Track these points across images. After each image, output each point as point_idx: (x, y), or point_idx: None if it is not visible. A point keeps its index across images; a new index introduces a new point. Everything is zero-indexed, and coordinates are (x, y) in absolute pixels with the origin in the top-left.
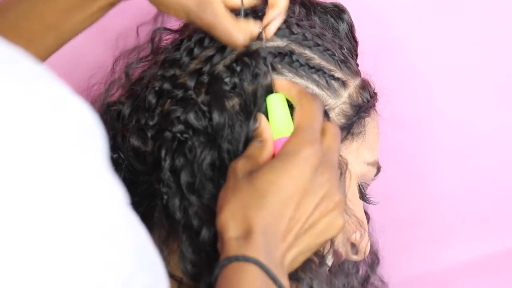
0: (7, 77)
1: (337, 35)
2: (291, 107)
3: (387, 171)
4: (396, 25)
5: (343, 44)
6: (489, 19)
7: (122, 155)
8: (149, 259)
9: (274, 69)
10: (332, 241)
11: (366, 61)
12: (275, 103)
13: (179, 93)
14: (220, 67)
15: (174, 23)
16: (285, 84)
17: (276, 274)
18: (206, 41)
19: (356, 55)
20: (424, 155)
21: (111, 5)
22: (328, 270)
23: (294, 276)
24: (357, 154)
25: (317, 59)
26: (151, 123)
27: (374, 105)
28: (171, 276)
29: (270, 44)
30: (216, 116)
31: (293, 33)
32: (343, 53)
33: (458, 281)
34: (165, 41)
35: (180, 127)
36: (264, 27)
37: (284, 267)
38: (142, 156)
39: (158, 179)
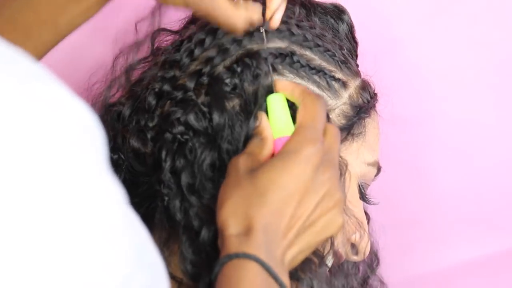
0: (6, 77)
1: (337, 35)
2: (291, 107)
3: (387, 171)
4: (396, 25)
5: (343, 44)
6: (490, 19)
7: (122, 156)
8: (149, 258)
9: (275, 70)
10: (332, 241)
11: (366, 62)
12: (275, 103)
13: (179, 94)
14: (220, 68)
15: (174, 24)
16: (289, 85)
17: (277, 271)
18: (207, 42)
19: (356, 56)
20: (424, 155)
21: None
22: (328, 271)
23: (294, 276)
24: (357, 155)
25: (317, 60)
26: (151, 124)
27: (374, 106)
28: (172, 277)
29: (271, 45)
30: (216, 117)
31: (293, 34)
32: (343, 54)
33: (458, 281)
34: (165, 42)
35: (180, 128)
36: (269, 19)
37: (284, 265)
38: (142, 157)
39: (159, 180)
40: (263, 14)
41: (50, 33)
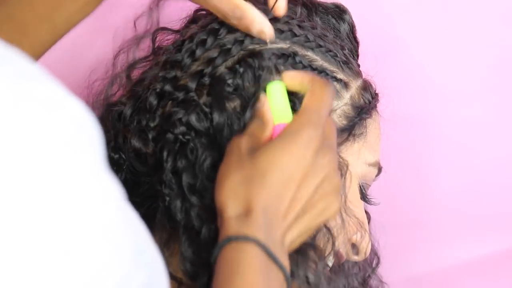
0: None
1: (339, 35)
2: (291, 97)
3: (387, 171)
4: (396, 25)
5: (344, 44)
6: (490, 19)
7: (123, 156)
8: (149, 257)
9: (277, 70)
10: (333, 241)
11: (366, 61)
12: (276, 91)
13: (181, 95)
14: (222, 69)
15: (175, 23)
16: (297, 73)
17: (276, 254)
18: (208, 43)
19: (357, 56)
20: (424, 155)
21: None
22: (329, 270)
23: (294, 276)
24: (358, 155)
25: (319, 61)
26: (152, 124)
27: (375, 106)
28: (172, 277)
29: (273, 45)
30: (216, 117)
31: (295, 35)
32: (344, 54)
33: (458, 281)
34: (166, 42)
35: (182, 128)
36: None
37: (284, 247)
38: (143, 157)
39: (160, 180)
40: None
41: (47, 31)
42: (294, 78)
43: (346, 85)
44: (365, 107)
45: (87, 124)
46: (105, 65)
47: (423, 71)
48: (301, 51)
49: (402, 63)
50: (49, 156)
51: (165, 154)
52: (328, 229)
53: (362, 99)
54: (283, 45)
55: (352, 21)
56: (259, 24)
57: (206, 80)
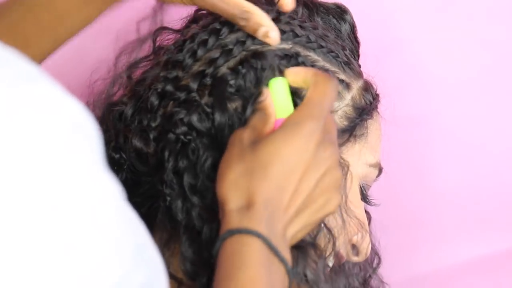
0: None
1: (340, 36)
2: (294, 94)
3: (388, 171)
4: (396, 26)
5: (345, 45)
6: (492, 19)
7: (124, 156)
8: (148, 256)
9: (280, 71)
10: (334, 242)
11: (367, 62)
12: (278, 86)
13: (182, 95)
14: (223, 69)
15: (176, 23)
16: (300, 69)
17: (278, 247)
18: (210, 43)
19: (358, 56)
20: (424, 156)
21: (107, 5)
22: (329, 270)
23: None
24: (359, 156)
25: (321, 61)
26: (153, 124)
27: (376, 107)
28: (173, 277)
29: (276, 47)
30: (217, 117)
31: (297, 36)
32: (346, 55)
33: (459, 281)
34: (166, 41)
35: (184, 128)
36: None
37: (285, 241)
38: (144, 157)
39: (161, 180)
40: None
41: (50, 41)
42: (297, 74)
43: (347, 86)
44: (366, 108)
45: (85, 124)
46: (106, 65)
47: (423, 71)
48: (303, 51)
49: (402, 64)
50: (46, 157)
51: (166, 154)
52: (329, 230)
53: (363, 100)
54: (285, 45)
55: (353, 21)
56: (265, 28)
57: (208, 80)
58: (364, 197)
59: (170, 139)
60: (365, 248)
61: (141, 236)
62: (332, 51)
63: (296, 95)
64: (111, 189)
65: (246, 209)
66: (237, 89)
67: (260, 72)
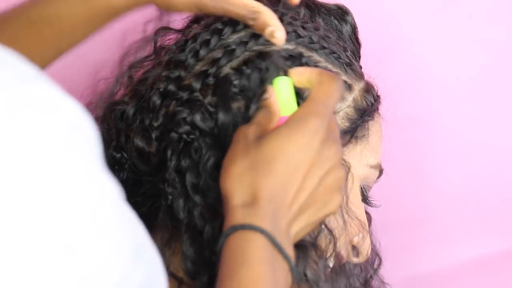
0: None
1: (341, 37)
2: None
3: (388, 171)
4: (398, 26)
5: (347, 46)
6: (492, 19)
7: (125, 155)
8: (146, 256)
9: (285, 72)
10: (335, 243)
11: (368, 63)
12: (282, 85)
13: (185, 94)
14: (226, 69)
15: (177, 23)
16: (305, 69)
17: (282, 244)
18: (212, 43)
19: (359, 57)
20: (425, 156)
21: (112, 18)
22: (330, 271)
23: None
24: (361, 157)
25: (323, 62)
26: (155, 124)
27: (377, 108)
28: (173, 276)
29: (278, 48)
30: (221, 116)
31: (300, 36)
32: (347, 56)
33: (459, 281)
34: (167, 41)
35: (186, 128)
36: None
37: (289, 238)
38: (146, 156)
39: (163, 179)
40: None
41: (51, 53)
42: (302, 74)
43: (349, 87)
44: (367, 109)
45: (83, 124)
46: (110, 65)
47: (424, 72)
48: (306, 52)
49: (403, 64)
50: (43, 157)
51: (169, 153)
52: (330, 231)
53: (364, 101)
54: (288, 46)
55: (354, 22)
56: (272, 27)
57: (211, 80)
58: (365, 198)
59: (172, 138)
60: (366, 249)
61: (140, 236)
62: (334, 52)
63: (299, 95)
64: (109, 190)
65: (250, 205)
66: (241, 89)
67: (264, 72)
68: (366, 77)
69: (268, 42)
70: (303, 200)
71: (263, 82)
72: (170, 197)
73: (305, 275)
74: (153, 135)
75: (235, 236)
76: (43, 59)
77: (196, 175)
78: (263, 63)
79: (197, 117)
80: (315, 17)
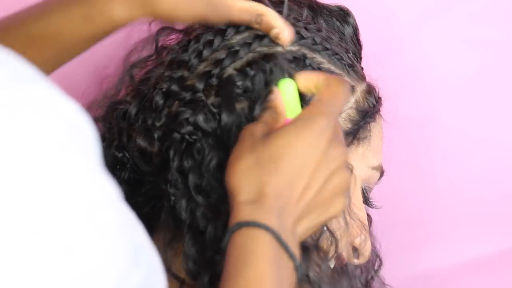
0: None
1: (343, 38)
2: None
3: (388, 171)
4: (398, 27)
5: (348, 47)
6: (494, 20)
7: (127, 155)
8: (145, 257)
9: (290, 74)
10: (336, 244)
11: (369, 64)
12: (287, 88)
13: (188, 95)
14: (230, 70)
15: (179, 23)
16: (312, 73)
17: (288, 242)
18: (215, 44)
19: (361, 59)
20: (425, 156)
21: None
22: (332, 272)
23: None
24: (362, 159)
25: (326, 64)
26: (158, 124)
27: (379, 110)
28: (175, 277)
29: (282, 49)
30: (225, 117)
31: (303, 38)
32: (349, 57)
33: (459, 281)
34: (169, 41)
35: (189, 128)
36: None
37: (295, 237)
38: (148, 156)
39: (165, 179)
40: None
41: (51, 65)
42: (309, 78)
43: (351, 89)
44: (369, 110)
45: (80, 124)
46: (113, 63)
47: (425, 73)
48: (309, 53)
49: (404, 66)
50: (39, 158)
51: (171, 153)
52: (332, 232)
53: (366, 103)
54: (292, 47)
55: (356, 24)
56: (277, 29)
57: (214, 81)
58: (366, 200)
59: (175, 138)
60: (367, 251)
61: (139, 237)
62: (336, 54)
63: (302, 99)
64: (107, 191)
65: (256, 202)
66: (244, 90)
67: (269, 74)
68: (367, 79)
69: (272, 43)
70: (309, 198)
71: (267, 84)
72: (172, 197)
73: (307, 276)
74: (156, 135)
75: (240, 233)
76: (42, 71)
77: (199, 175)
78: (267, 65)
79: (200, 118)
80: (317, 18)
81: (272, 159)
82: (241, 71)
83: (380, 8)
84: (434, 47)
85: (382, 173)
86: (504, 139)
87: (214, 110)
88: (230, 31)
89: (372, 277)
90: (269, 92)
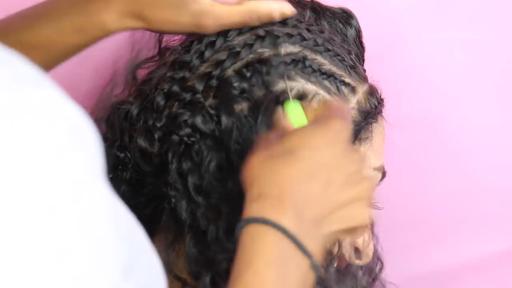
0: None
1: (346, 40)
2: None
3: (389, 172)
4: (401, 30)
5: (351, 49)
6: (495, 20)
7: (129, 155)
8: (146, 259)
9: (288, 76)
10: (340, 244)
11: (371, 66)
12: (293, 109)
13: (187, 96)
14: (229, 72)
15: None
16: (313, 105)
17: (306, 239)
18: (217, 44)
19: (363, 61)
20: (424, 156)
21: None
22: (336, 272)
23: None
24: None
25: (328, 65)
26: (158, 124)
27: (381, 111)
28: (177, 277)
29: (283, 50)
30: (224, 119)
31: (304, 39)
32: (351, 59)
33: (458, 281)
34: (172, 42)
35: (187, 130)
36: None
37: (319, 236)
38: (149, 157)
39: (165, 182)
40: None
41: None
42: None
43: (353, 90)
44: (371, 111)
45: (82, 127)
46: (116, 64)
47: (426, 75)
48: (310, 55)
49: (406, 68)
50: (35, 163)
51: (170, 156)
52: None
53: (368, 104)
54: (293, 49)
55: (359, 26)
56: (272, 13)
57: (214, 82)
58: None
59: (173, 140)
60: (369, 251)
61: (136, 244)
62: (338, 55)
63: None
64: (104, 198)
65: (268, 196)
66: (241, 91)
67: (265, 77)
68: (369, 80)
69: (273, 44)
70: (331, 196)
71: (264, 86)
72: (173, 200)
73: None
74: (156, 136)
75: (246, 231)
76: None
77: (198, 176)
78: (264, 68)
79: (198, 120)
80: (320, 20)
81: (287, 151)
82: (239, 73)
83: (383, 9)
84: (437, 49)
85: (383, 174)
86: (505, 140)
87: (212, 112)
88: (232, 32)
89: (373, 280)
90: (270, 111)
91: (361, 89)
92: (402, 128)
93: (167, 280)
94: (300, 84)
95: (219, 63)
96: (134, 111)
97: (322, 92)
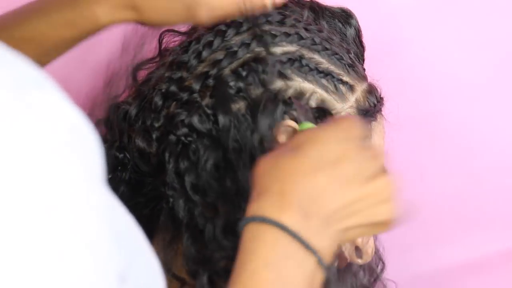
0: None
1: (345, 39)
2: None
3: (389, 171)
4: (401, 28)
5: (350, 48)
6: (496, 20)
7: (128, 155)
8: (144, 259)
9: (284, 75)
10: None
11: (370, 65)
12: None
13: (184, 96)
14: (226, 71)
15: (182, 25)
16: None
17: (313, 237)
18: (215, 44)
19: (363, 60)
20: (424, 156)
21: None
22: (337, 272)
23: None
24: None
25: (325, 63)
26: (156, 125)
27: (380, 110)
28: (175, 277)
29: (280, 49)
30: (221, 118)
31: (302, 38)
32: (350, 58)
33: (458, 281)
34: (172, 43)
35: (184, 130)
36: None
37: (331, 233)
38: (147, 157)
39: (163, 182)
40: None
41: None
42: None
43: (351, 88)
44: (370, 110)
45: (82, 131)
46: (116, 65)
47: (426, 74)
48: (307, 54)
49: (406, 66)
50: (34, 162)
51: (167, 155)
52: None
53: (367, 103)
54: (290, 48)
55: (358, 25)
56: (266, 1)
57: (211, 82)
58: None
59: (171, 140)
60: (369, 250)
61: (135, 241)
62: (336, 53)
63: None
64: (101, 203)
65: (272, 193)
66: (238, 91)
67: (261, 75)
68: (369, 79)
69: (271, 43)
70: (345, 193)
71: (260, 85)
72: (171, 199)
73: None
74: (154, 136)
75: (247, 230)
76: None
77: (195, 175)
78: (259, 67)
79: (195, 119)
80: (319, 20)
81: (294, 146)
82: (235, 72)
83: (383, 9)
84: (436, 48)
85: None
86: (505, 140)
87: (209, 111)
88: (230, 32)
89: (374, 280)
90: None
91: (360, 88)
92: (402, 127)
93: (166, 279)
94: (297, 83)
95: (216, 63)
96: (133, 111)
97: (319, 91)
